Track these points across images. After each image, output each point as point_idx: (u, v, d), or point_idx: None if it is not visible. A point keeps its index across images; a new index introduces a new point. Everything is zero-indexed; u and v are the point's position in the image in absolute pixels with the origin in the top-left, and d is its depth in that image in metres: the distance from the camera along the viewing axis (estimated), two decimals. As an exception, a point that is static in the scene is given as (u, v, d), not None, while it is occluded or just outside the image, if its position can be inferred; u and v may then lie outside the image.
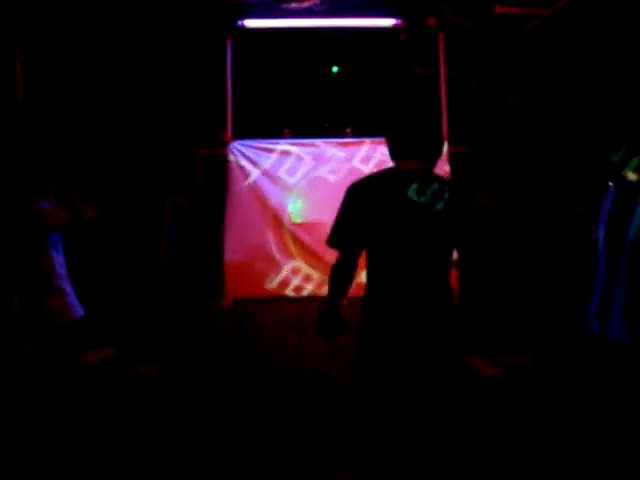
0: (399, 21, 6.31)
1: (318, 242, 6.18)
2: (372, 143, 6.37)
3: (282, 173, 6.33)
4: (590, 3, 5.25)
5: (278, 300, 6.04)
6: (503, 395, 4.32)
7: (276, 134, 6.78)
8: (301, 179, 6.32)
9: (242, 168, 6.31)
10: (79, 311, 4.13)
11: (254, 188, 6.29)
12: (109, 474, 3.28)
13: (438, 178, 2.67)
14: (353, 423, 2.93)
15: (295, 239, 6.24)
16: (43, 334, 3.93)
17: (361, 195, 2.66)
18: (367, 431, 2.72)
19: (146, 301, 5.98)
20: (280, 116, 7.13)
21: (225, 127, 6.36)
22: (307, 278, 6.22)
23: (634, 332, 2.91)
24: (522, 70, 6.39)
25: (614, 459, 2.98)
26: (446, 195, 2.57)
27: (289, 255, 6.24)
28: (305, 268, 6.21)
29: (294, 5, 6.07)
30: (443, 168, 6.20)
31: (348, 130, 7.01)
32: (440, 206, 2.55)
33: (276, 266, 6.20)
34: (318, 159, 6.36)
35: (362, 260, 2.74)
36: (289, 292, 6.18)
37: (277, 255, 6.22)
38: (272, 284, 6.17)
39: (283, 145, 6.43)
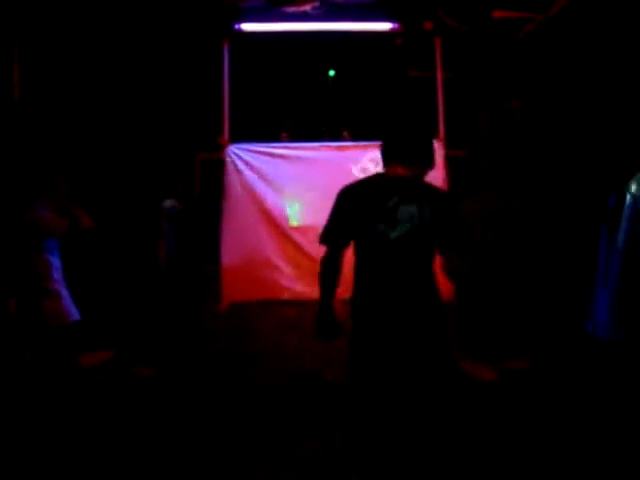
0: (395, 25, 6.33)
1: (315, 245, 6.17)
2: (369, 146, 6.38)
3: (279, 177, 6.33)
4: (586, 7, 5.27)
5: (275, 303, 6.04)
6: (500, 398, 4.32)
7: (273, 138, 6.79)
8: (298, 182, 6.32)
9: (239, 172, 6.31)
10: (75, 315, 4.13)
11: (251, 192, 6.30)
12: (108, 476, 3.27)
13: (421, 190, 2.76)
14: (349, 420, 2.98)
15: (292, 242, 6.24)
16: (39, 337, 3.93)
17: (349, 199, 2.82)
18: (362, 427, 2.79)
19: (144, 304, 5.97)
20: (277, 120, 7.13)
21: (222, 131, 6.36)
22: (304, 281, 6.21)
23: (619, 329, 2.96)
24: (520, 74, 6.40)
25: (614, 461, 2.98)
26: (426, 211, 2.69)
27: (286, 258, 6.24)
28: (302, 271, 6.20)
29: (291, 9, 6.08)
30: (440, 172, 6.22)
31: (345, 133, 7.03)
32: (416, 223, 2.69)
33: (273, 269, 6.20)
34: (315, 162, 6.36)
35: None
36: (286, 295, 6.18)
37: (274, 258, 6.22)
38: (269, 287, 6.17)
39: (280, 149, 6.44)
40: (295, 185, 6.32)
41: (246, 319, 5.88)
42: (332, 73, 7.55)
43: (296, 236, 6.25)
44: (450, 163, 6.31)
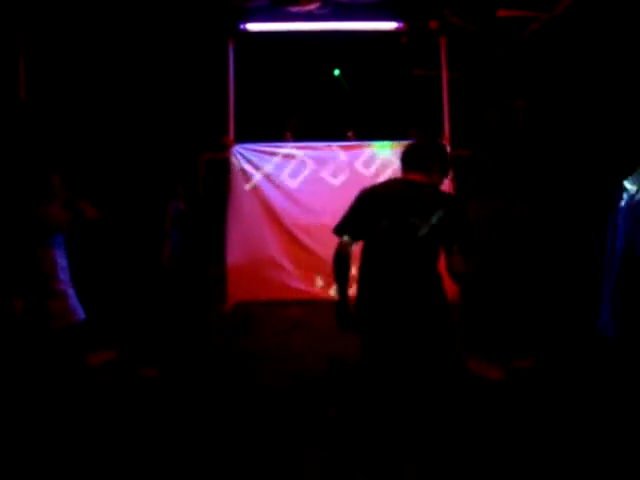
0: (401, 24, 6.31)
1: (320, 245, 6.18)
2: (374, 146, 6.38)
3: (284, 176, 6.33)
4: (592, 6, 5.25)
5: (280, 303, 6.03)
6: (507, 397, 4.31)
7: (278, 137, 6.79)
8: (303, 182, 6.32)
9: (244, 172, 6.32)
10: (80, 314, 4.14)
11: (256, 191, 6.30)
12: (112, 476, 3.28)
13: (433, 195, 3.04)
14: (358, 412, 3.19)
15: (297, 242, 6.23)
16: (45, 337, 3.94)
17: (366, 199, 3.12)
18: (370, 419, 2.96)
19: (149, 304, 5.98)
20: (282, 119, 7.13)
21: (227, 131, 6.37)
22: (310, 281, 6.21)
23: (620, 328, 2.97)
24: (524, 73, 6.38)
25: (618, 460, 2.98)
26: (436, 214, 2.93)
27: (291, 258, 6.23)
28: (307, 271, 6.20)
29: (296, 8, 6.08)
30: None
31: (350, 134, 7.02)
32: (425, 225, 2.94)
33: (278, 269, 6.19)
34: (320, 162, 6.36)
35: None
36: (291, 295, 6.17)
37: (279, 258, 6.21)
38: (274, 287, 6.16)
39: (285, 148, 6.44)
40: (300, 185, 6.31)
41: (251, 319, 5.88)
42: (337, 73, 7.53)
43: (302, 236, 6.24)
44: (455, 162, 6.29)
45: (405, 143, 6.32)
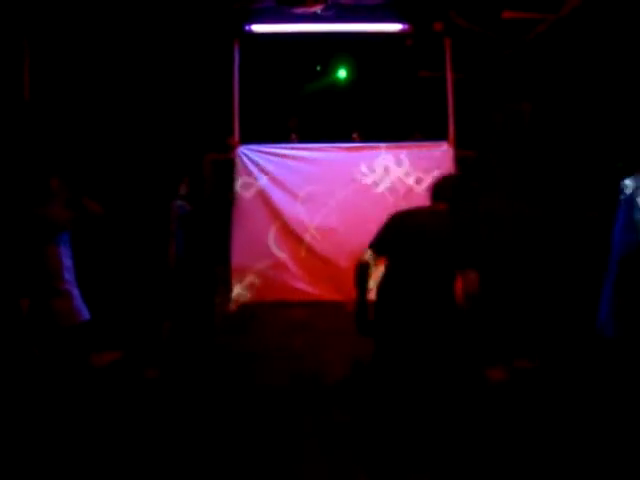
0: (405, 26, 6.32)
1: (324, 246, 6.19)
2: (379, 148, 6.38)
3: (289, 178, 6.34)
4: (598, 8, 5.24)
5: (284, 304, 6.04)
6: (510, 397, 4.30)
7: (283, 139, 6.80)
8: (308, 183, 6.32)
9: (249, 173, 6.32)
10: (85, 314, 4.16)
11: (261, 193, 6.30)
12: (113, 475, 3.28)
13: (454, 224, 3.38)
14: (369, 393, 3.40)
15: (301, 243, 6.24)
16: (50, 336, 3.96)
17: (395, 221, 3.51)
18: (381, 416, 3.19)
19: (153, 305, 5.99)
20: (287, 121, 7.13)
21: (232, 132, 6.38)
22: (314, 283, 6.21)
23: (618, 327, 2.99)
24: (530, 75, 6.37)
25: (619, 459, 2.97)
26: (455, 241, 3.27)
27: (296, 259, 6.23)
28: (312, 273, 6.20)
29: (301, 10, 6.09)
30: (448, 172, 6.22)
31: (355, 135, 7.02)
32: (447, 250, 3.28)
33: (283, 270, 6.20)
34: (324, 164, 6.36)
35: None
36: (296, 297, 6.17)
37: (283, 260, 6.21)
38: (279, 289, 6.16)
39: (290, 150, 6.45)
40: (305, 186, 6.32)
41: (254, 320, 5.88)
42: (342, 74, 7.53)
43: (306, 237, 6.25)
44: (460, 164, 6.30)
45: (410, 144, 6.44)
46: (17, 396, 3.83)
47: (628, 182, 3.06)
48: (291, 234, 6.25)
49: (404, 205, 6.17)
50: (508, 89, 6.61)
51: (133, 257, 6.08)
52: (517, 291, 5.69)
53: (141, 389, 4.59)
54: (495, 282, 5.71)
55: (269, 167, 6.35)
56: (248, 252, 6.18)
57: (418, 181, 6.29)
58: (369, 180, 6.31)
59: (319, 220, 6.23)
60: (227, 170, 6.34)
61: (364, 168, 6.34)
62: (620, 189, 3.15)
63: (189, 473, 3.36)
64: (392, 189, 6.31)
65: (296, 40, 6.56)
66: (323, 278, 6.18)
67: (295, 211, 6.28)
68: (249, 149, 6.38)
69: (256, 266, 6.17)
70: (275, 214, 6.27)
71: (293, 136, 6.99)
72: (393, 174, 6.31)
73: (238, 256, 6.16)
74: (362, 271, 3.39)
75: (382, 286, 3.43)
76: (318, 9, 6.04)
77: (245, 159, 6.34)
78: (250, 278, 6.15)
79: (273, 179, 6.33)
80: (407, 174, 6.32)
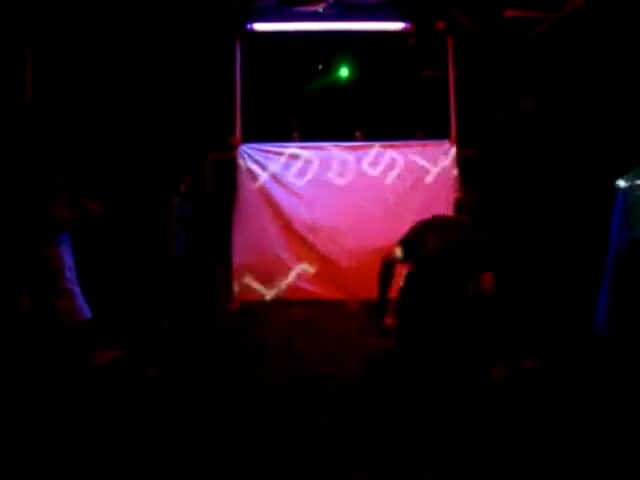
0: (408, 25, 6.31)
1: (326, 245, 6.19)
2: (381, 147, 6.37)
3: (291, 176, 6.33)
4: (600, 7, 5.23)
5: (286, 303, 6.04)
6: (512, 396, 4.30)
7: (285, 137, 6.79)
8: (309, 182, 6.32)
9: (251, 171, 6.31)
10: (87, 313, 4.16)
11: (263, 191, 6.30)
12: (113, 474, 3.29)
13: (472, 231, 3.75)
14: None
15: (303, 242, 6.23)
16: (52, 335, 3.96)
17: (420, 226, 3.84)
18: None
19: (153, 304, 5.99)
20: (289, 119, 7.13)
21: (234, 130, 6.38)
22: (315, 281, 6.21)
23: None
24: (532, 73, 6.36)
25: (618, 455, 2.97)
26: (472, 246, 3.63)
27: (297, 258, 6.23)
28: (313, 271, 6.20)
29: (303, 8, 6.08)
30: (451, 172, 6.22)
31: (357, 134, 7.01)
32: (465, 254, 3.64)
33: (284, 269, 6.19)
34: (326, 162, 6.35)
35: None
36: (297, 295, 6.17)
37: (285, 259, 6.21)
38: (280, 287, 6.17)
39: (292, 148, 6.43)
40: (306, 185, 6.32)
41: (257, 319, 5.88)
42: (344, 73, 7.53)
43: (308, 236, 6.24)
44: (461, 162, 6.29)
45: (412, 143, 6.43)
46: (17, 395, 3.84)
47: (622, 182, 3.07)
48: (292, 233, 6.24)
49: (405, 204, 6.23)
50: (510, 87, 6.60)
51: (134, 255, 6.09)
52: (522, 291, 5.69)
53: (141, 388, 4.60)
54: (500, 282, 5.71)
55: (271, 166, 6.34)
56: (249, 251, 6.17)
57: (420, 180, 6.28)
58: (371, 179, 6.30)
59: (320, 219, 6.22)
60: (229, 169, 6.34)
61: (366, 167, 6.33)
62: (616, 187, 3.17)
63: (189, 473, 3.36)
64: (393, 188, 6.30)
65: (298, 38, 6.55)
66: (324, 277, 6.18)
67: (296, 210, 6.27)
68: (251, 148, 6.37)
69: (257, 264, 6.17)
70: (276, 213, 6.26)
71: (295, 135, 6.98)
72: (395, 173, 6.30)
73: (239, 255, 6.15)
74: (388, 268, 3.68)
75: (405, 287, 3.67)
76: (320, 7, 6.03)
77: (247, 158, 6.33)
78: (251, 277, 6.14)
79: (275, 178, 6.32)
80: (409, 173, 6.31)
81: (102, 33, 6.01)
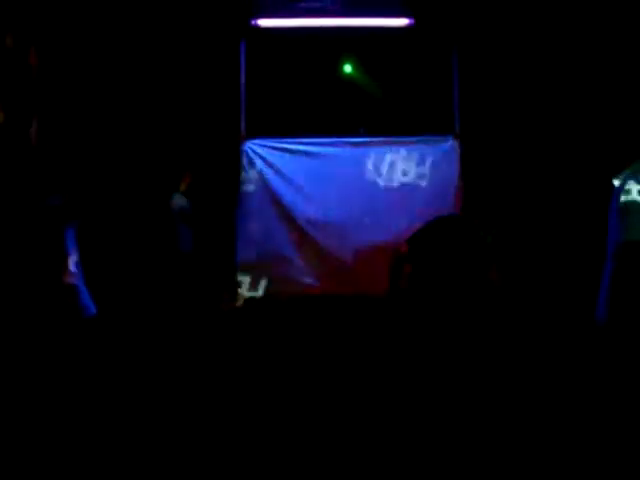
0: (411, 20, 6.30)
1: (329, 240, 6.20)
2: (384, 143, 6.38)
3: (295, 172, 6.35)
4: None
5: (290, 299, 6.06)
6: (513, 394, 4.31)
7: (289, 133, 6.80)
8: (313, 178, 6.34)
9: (255, 167, 6.34)
10: (91, 309, 4.21)
11: (267, 187, 6.32)
12: (111, 473, 3.28)
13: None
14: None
15: (306, 238, 6.25)
16: (56, 330, 4.01)
17: (433, 224, 4.26)
18: None
19: (157, 300, 6.01)
20: (293, 115, 7.13)
21: (239, 126, 6.39)
22: (320, 277, 6.24)
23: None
24: (532, 66, 6.32)
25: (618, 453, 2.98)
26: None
27: (301, 254, 6.26)
28: (316, 267, 6.23)
29: (307, 4, 6.09)
30: (455, 167, 6.23)
31: (361, 130, 7.01)
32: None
33: (287, 265, 6.22)
34: (330, 158, 6.37)
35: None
36: (301, 290, 6.20)
37: (289, 254, 6.24)
38: (283, 283, 6.20)
39: (296, 144, 6.45)
40: (311, 181, 6.34)
41: (260, 315, 5.91)
42: (348, 69, 7.52)
43: (312, 231, 6.27)
44: (465, 158, 6.30)
45: (416, 139, 6.43)
46: (17, 390, 3.87)
47: (616, 181, 3.11)
48: (296, 228, 6.26)
49: (409, 200, 6.25)
50: (513, 84, 6.57)
51: (139, 252, 6.11)
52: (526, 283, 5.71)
53: (138, 382, 4.62)
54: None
55: (275, 162, 6.36)
56: (253, 247, 6.21)
57: (423, 176, 6.29)
58: (374, 175, 6.32)
59: (323, 214, 6.24)
60: (233, 165, 6.36)
61: (370, 163, 6.34)
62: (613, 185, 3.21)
63: (188, 473, 3.37)
64: (397, 184, 6.31)
65: (302, 34, 6.54)
66: (328, 272, 6.21)
67: (300, 205, 6.29)
68: (255, 144, 6.40)
69: (261, 261, 6.20)
70: (280, 208, 6.28)
71: (299, 131, 6.97)
72: (398, 169, 6.31)
73: (243, 251, 6.19)
74: (398, 263, 3.97)
75: (413, 282, 3.89)
76: (324, 3, 6.04)
77: (251, 153, 6.36)
78: (255, 273, 6.18)
79: (279, 173, 6.34)
80: (413, 169, 6.31)
81: (108, 32, 6.02)
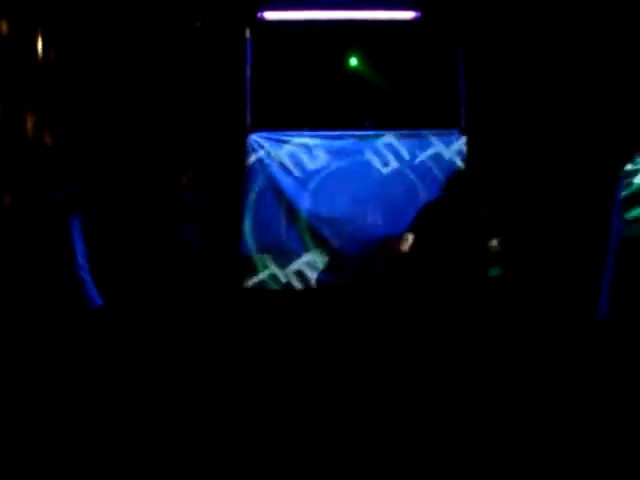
0: (418, 13, 6.28)
1: (333, 234, 6.21)
2: (390, 136, 6.38)
3: (299, 165, 6.36)
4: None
5: (294, 294, 6.08)
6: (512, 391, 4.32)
7: (294, 126, 6.79)
8: (318, 171, 6.34)
9: (260, 160, 6.35)
10: (97, 301, 4.23)
11: (272, 180, 6.33)
12: (109, 471, 3.27)
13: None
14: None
15: (311, 231, 6.26)
16: (63, 323, 4.03)
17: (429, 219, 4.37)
18: None
19: (164, 294, 6.02)
20: (298, 108, 7.12)
21: (244, 119, 6.39)
22: (322, 270, 6.25)
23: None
24: (538, 59, 6.31)
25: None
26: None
27: (305, 248, 6.27)
28: (320, 261, 6.24)
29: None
30: (460, 160, 6.23)
31: (367, 123, 7.00)
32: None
33: (292, 259, 6.24)
34: (334, 151, 6.37)
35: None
36: (304, 284, 6.22)
37: (293, 248, 6.25)
38: (287, 276, 6.22)
39: (300, 137, 6.45)
40: (315, 174, 6.34)
41: (264, 309, 5.91)
42: (354, 62, 7.50)
43: (316, 224, 6.27)
44: (471, 152, 6.30)
45: (421, 132, 6.42)
46: (22, 385, 3.88)
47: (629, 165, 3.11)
48: (299, 222, 6.28)
49: (415, 193, 6.26)
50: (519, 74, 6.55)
51: (145, 245, 6.11)
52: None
53: (140, 377, 4.64)
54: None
55: (280, 154, 6.36)
56: (259, 241, 6.22)
57: (429, 169, 6.29)
58: (380, 168, 6.32)
59: (327, 207, 6.25)
60: (238, 158, 6.36)
61: (375, 156, 6.35)
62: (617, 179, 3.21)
63: (187, 473, 3.35)
64: (403, 177, 6.31)
65: (308, 26, 6.53)
66: (332, 266, 6.22)
67: (304, 198, 6.30)
68: (260, 136, 6.40)
69: (267, 255, 6.21)
70: (284, 202, 6.29)
71: (304, 124, 6.97)
72: (404, 162, 6.31)
73: (248, 244, 6.21)
74: (402, 254, 4.11)
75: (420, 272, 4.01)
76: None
77: (256, 146, 6.36)
78: (260, 267, 6.20)
79: (283, 166, 6.35)
80: (418, 162, 6.32)
81: (113, 26, 6.03)
